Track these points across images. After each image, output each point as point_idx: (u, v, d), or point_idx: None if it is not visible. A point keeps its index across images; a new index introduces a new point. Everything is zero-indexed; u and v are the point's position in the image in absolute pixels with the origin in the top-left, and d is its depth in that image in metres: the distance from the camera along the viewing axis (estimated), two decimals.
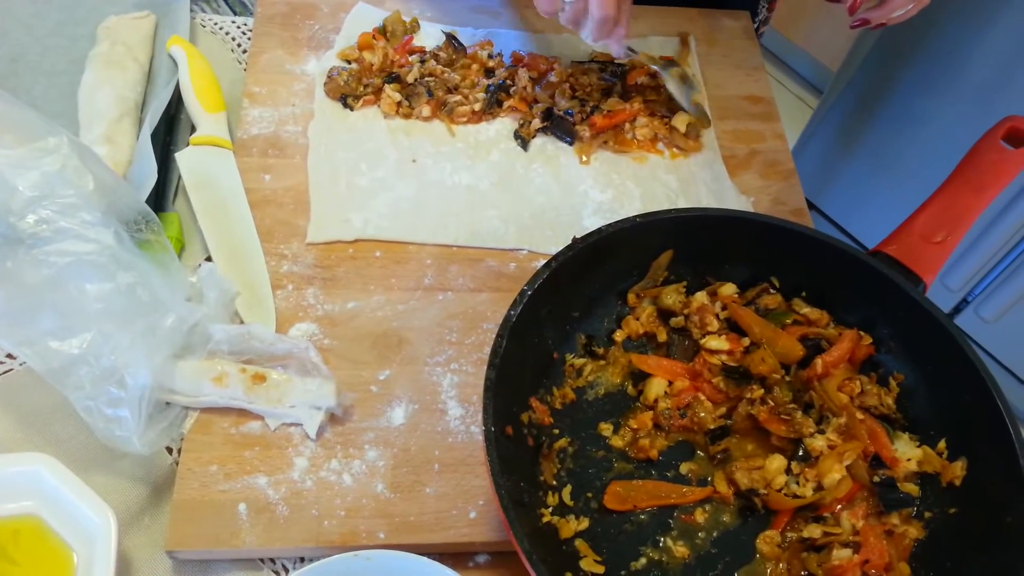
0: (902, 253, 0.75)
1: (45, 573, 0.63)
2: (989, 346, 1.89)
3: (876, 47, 1.66)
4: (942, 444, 0.71)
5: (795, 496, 0.69)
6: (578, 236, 0.73)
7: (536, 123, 0.95)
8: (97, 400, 0.65)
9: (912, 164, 1.67)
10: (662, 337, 0.77)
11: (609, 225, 0.74)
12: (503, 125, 0.96)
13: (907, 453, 0.71)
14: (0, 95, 0.71)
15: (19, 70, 0.95)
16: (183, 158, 0.87)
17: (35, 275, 0.66)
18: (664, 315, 0.78)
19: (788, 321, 0.76)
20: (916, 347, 0.73)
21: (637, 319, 0.78)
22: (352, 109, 0.94)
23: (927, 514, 0.69)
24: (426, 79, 0.96)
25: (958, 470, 0.69)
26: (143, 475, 0.70)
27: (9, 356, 0.75)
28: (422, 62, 0.97)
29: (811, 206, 2.05)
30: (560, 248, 0.72)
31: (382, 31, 1.00)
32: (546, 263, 0.70)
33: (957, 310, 1.86)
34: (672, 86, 0.97)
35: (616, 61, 1.00)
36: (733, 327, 0.77)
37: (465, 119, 0.95)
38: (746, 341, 0.76)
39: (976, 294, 1.81)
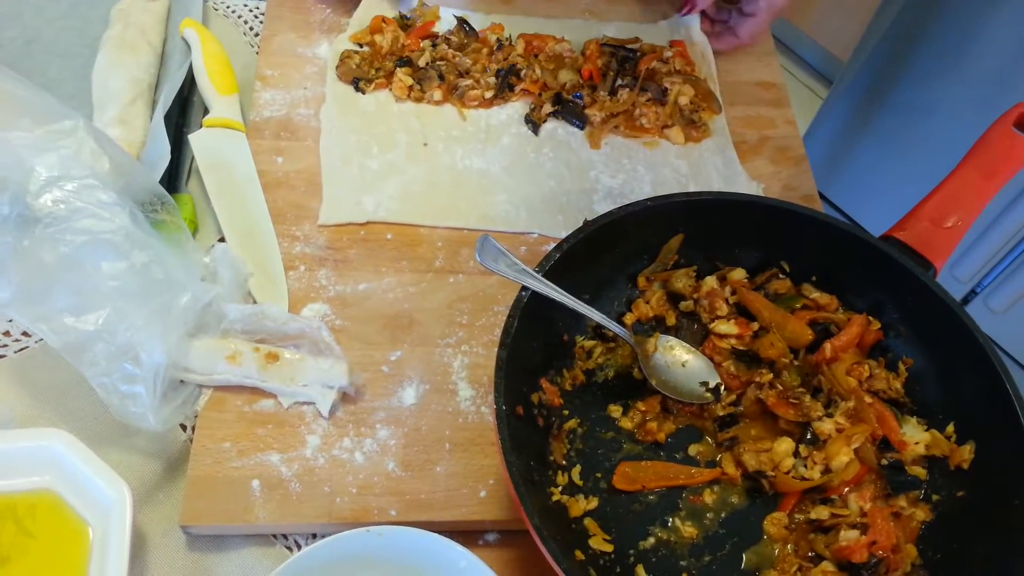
0: (912, 238, 0.75)
1: (61, 547, 0.64)
2: (997, 337, 1.89)
3: (886, 36, 1.65)
4: (950, 428, 0.71)
5: (803, 478, 0.69)
6: (589, 219, 0.73)
7: (547, 108, 0.95)
8: (112, 376, 0.66)
9: (921, 153, 1.66)
10: (671, 321, 0.78)
11: (620, 208, 0.74)
12: (514, 110, 0.96)
13: (915, 437, 0.71)
14: (17, 80, 0.72)
15: (33, 52, 0.95)
16: (196, 140, 0.88)
17: (52, 253, 0.67)
18: (674, 299, 0.79)
19: (797, 306, 0.77)
20: (926, 332, 0.74)
21: (647, 302, 0.78)
22: (364, 92, 0.95)
23: (935, 497, 0.69)
24: (437, 63, 0.96)
25: (966, 453, 0.69)
26: (157, 451, 0.71)
27: (25, 334, 0.75)
28: (434, 46, 0.98)
29: (820, 195, 2.04)
30: (570, 232, 0.72)
31: (400, 19, 1.00)
32: (557, 245, 0.71)
33: (966, 301, 1.85)
34: None
35: (628, 46, 1.00)
36: (742, 311, 0.77)
37: (476, 103, 0.95)
38: (755, 325, 0.76)
39: (985, 285, 1.80)
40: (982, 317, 1.84)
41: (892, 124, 1.75)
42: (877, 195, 1.85)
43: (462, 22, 1.00)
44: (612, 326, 0.72)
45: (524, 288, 0.68)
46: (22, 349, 0.75)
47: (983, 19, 1.46)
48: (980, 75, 1.50)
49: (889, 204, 1.81)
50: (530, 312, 0.68)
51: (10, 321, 0.76)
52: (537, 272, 0.68)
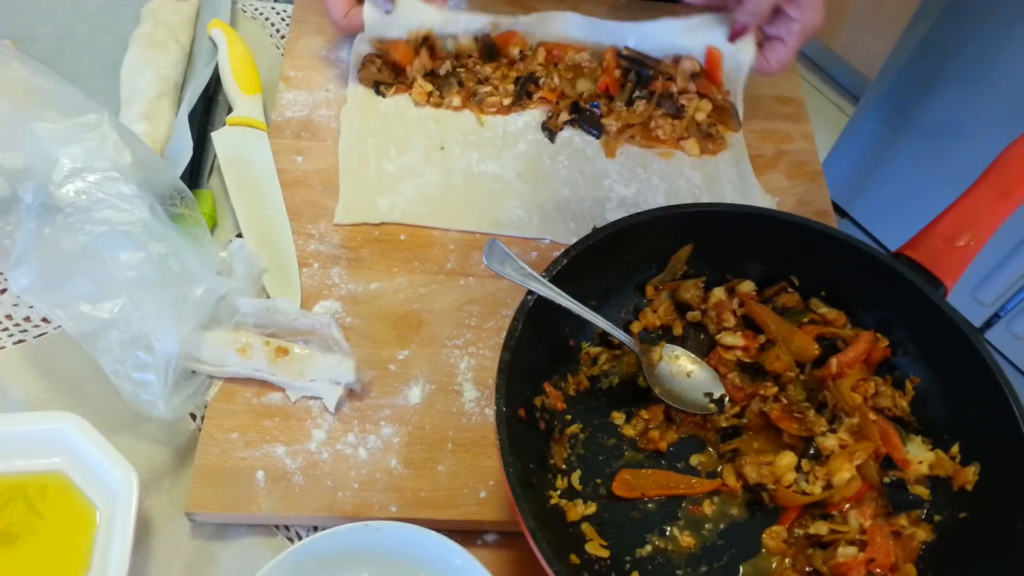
0: (924, 256, 0.74)
1: (69, 528, 0.66)
2: (1021, 363, 1.86)
3: (914, 55, 1.65)
4: (955, 448, 0.70)
5: (804, 493, 0.69)
6: (599, 226, 0.74)
7: (564, 116, 0.96)
8: (125, 364, 0.68)
9: (946, 173, 1.65)
10: (678, 331, 0.78)
11: (630, 216, 0.74)
12: (531, 117, 0.97)
13: (919, 456, 0.71)
14: (46, 74, 0.74)
15: (65, 48, 0.98)
16: (219, 138, 0.90)
17: (71, 242, 0.69)
18: (681, 308, 0.79)
19: (805, 320, 0.77)
20: (934, 351, 0.73)
21: (654, 311, 0.78)
22: (384, 96, 0.96)
23: (937, 517, 0.69)
24: (458, 70, 0.97)
25: (970, 475, 0.68)
26: (167, 439, 0.72)
27: (44, 320, 0.77)
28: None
29: (843, 213, 2.03)
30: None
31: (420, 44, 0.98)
32: (565, 250, 0.71)
33: (988, 325, 1.83)
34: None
35: (647, 61, 1.00)
36: (750, 324, 0.78)
37: (494, 109, 0.96)
38: (762, 338, 0.76)
39: (1009, 309, 1.78)
40: (1005, 341, 1.83)
41: (917, 143, 1.74)
42: (901, 214, 1.84)
43: (485, 44, 0.99)
44: (617, 333, 0.72)
45: (530, 292, 0.68)
46: (41, 335, 0.77)
47: (1011, 40, 1.45)
48: (1007, 96, 1.48)
49: (912, 223, 1.80)
50: (535, 316, 0.68)
51: (31, 307, 0.78)
52: (544, 277, 0.69)
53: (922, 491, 0.70)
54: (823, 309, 0.77)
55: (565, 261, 0.71)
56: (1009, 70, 1.46)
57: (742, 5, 0.90)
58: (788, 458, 0.70)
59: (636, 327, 0.78)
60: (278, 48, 1.04)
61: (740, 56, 0.94)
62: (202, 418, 0.73)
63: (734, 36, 0.93)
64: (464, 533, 0.70)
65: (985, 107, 1.53)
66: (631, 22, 0.99)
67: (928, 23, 1.60)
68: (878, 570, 0.65)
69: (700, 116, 0.97)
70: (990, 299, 1.77)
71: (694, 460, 0.73)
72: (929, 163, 1.71)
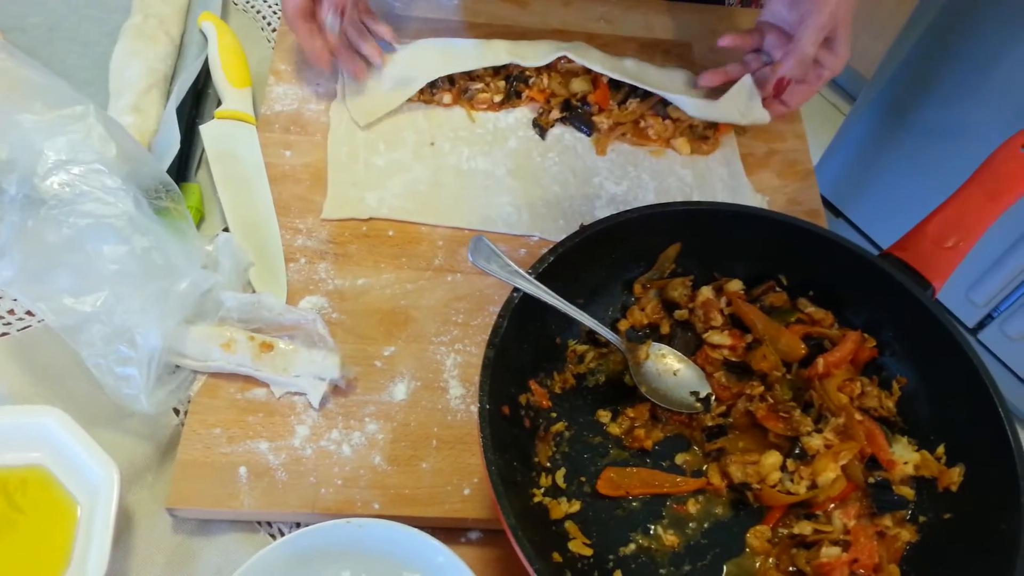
0: (912, 256, 0.74)
1: (49, 523, 0.65)
2: (1013, 364, 1.86)
3: (910, 56, 1.64)
4: (941, 449, 0.70)
5: (789, 493, 0.69)
6: (587, 224, 0.73)
7: (555, 113, 0.95)
8: (107, 358, 0.67)
9: (942, 174, 1.64)
10: (665, 329, 0.78)
11: (618, 214, 0.74)
12: (522, 113, 0.96)
13: (905, 456, 0.70)
14: (32, 65, 0.73)
15: (55, 39, 0.97)
16: (207, 131, 0.89)
17: (55, 234, 0.68)
18: (669, 307, 0.79)
19: (792, 319, 0.76)
20: (920, 351, 0.73)
21: (642, 309, 0.78)
22: None
23: (921, 518, 0.69)
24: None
25: (955, 476, 0.68)
26: (149, 434, 0.72)
27: (29, 313, 0.77)
28: None
29: (838, 213, 2.03)
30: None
31: None
32: (552, 248, 0.71)
33: (982, 325, 1.83)
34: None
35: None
36: (737, 323, 0.77)
37: (485, 106, 0.96)
38: (749, 338, 0.76)
39: (1002, 310, 1.78)
40: (998, 343, 1.82)
41: (913, 143, 1.73)
42: (896, 214, 1.84)
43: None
44: (603, 331, 0.72)
45: (516, 289, 0.68)
46: (25, 328, 0.76)
47: (1008, 42, 1.44)
48: (1003, 98, 1.48)
49: (907, 224, 1.80)
50: (521, 314, 0.68)
51: (14, 300, 0.77)
52: (529, 274, 0.69)
53: (907, 492, 0.70)
54: (810, 309, 0.77)
55: (552, 258, 0.70)
56: (1006, 72, 1.46)
57: (785, 58, 0.89)
58: (773, 457, 0.70)
59: (623, 325, 0.78)
60: (269, 41, 1.03)
61: (755, 118, 0.95)
62: (185, 413, 0.72)
63: (779, 91, 0.92)
64: (448, 531, 0.69)
65: (981, 108, 1.52)
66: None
67: (926, 23, 1.60)
68: (861, 570, 0.65)
69: (695, 121, 0.96)
70: (983, 300, 1.77)
71: (679, 459, 0.72)
72: (925, 163, 1.70)
